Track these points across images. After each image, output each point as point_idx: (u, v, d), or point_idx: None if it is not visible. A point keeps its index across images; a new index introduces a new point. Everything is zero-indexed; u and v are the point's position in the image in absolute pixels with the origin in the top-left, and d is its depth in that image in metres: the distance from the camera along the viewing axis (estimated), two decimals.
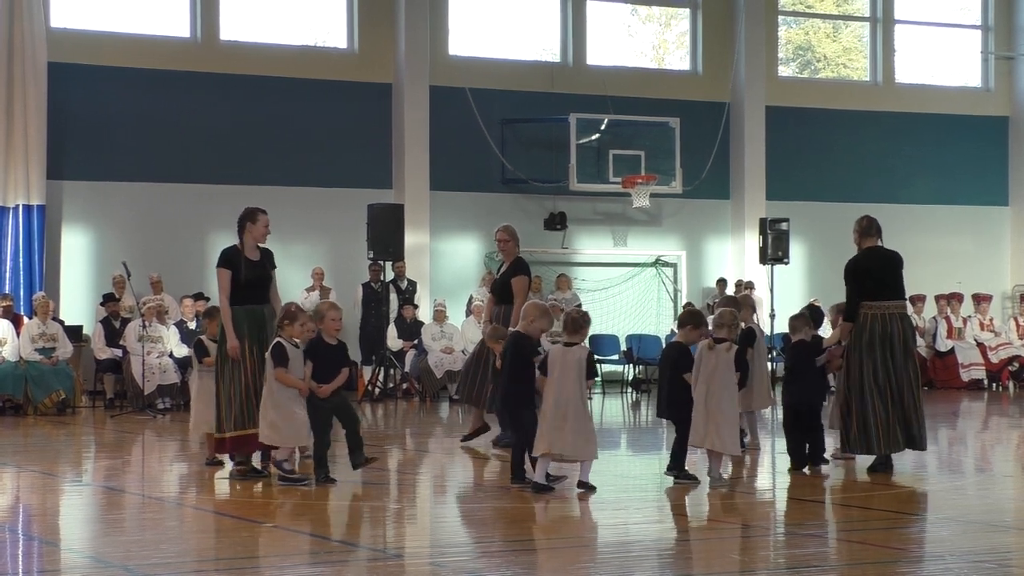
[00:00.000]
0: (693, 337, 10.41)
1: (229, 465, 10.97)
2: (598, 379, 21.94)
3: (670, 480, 10.31)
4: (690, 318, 10.55)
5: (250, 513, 9.18)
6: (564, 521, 9.06)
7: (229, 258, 10.75)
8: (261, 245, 10.87)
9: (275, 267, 10.92)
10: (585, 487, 9.76)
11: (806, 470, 11.06)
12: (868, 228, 11.22)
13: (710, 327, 10.75)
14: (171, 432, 15.41)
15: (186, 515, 9.37)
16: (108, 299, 19.38)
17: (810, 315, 11.89)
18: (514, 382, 10.11)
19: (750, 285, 22.91)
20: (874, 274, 11.06)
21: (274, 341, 10.21)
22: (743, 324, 12.59)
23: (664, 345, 22.11)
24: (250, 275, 10.66)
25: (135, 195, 21.04)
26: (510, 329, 12.91)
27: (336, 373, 10.21)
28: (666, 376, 10.43)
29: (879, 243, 11.25)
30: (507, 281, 13.37)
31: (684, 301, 23.22)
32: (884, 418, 10.93)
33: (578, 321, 9.86)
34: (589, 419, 9.81)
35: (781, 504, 9.97)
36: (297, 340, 10.20)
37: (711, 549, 8.08)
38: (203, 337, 11.83)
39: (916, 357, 11.26)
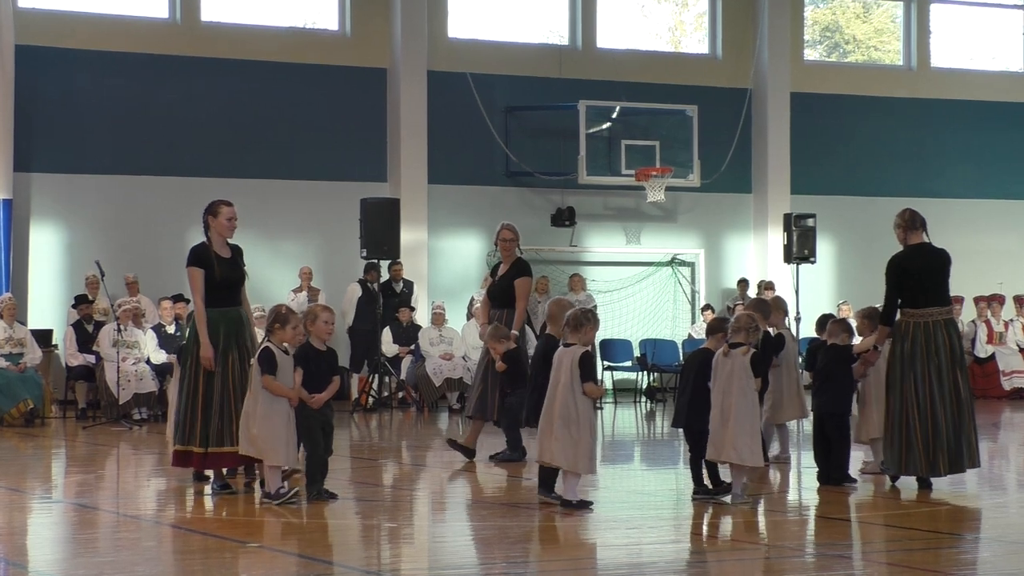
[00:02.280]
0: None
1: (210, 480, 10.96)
2: (609, 388, 21.91)
3: (687, 496, 10.29)
4: (720, 325, 10.52)
5: (234, 532, 9.16)
6: (572, 541, 9.04)
7: (200, 256, 10.68)
8: (230, 241, 10.81)
9: (244, 264, 10.87)
10: (564, 503, 9.64)
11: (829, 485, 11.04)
12: (912, 222, 10.92)
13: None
14: (148, 445, 15.39)
15: (164, 535, 9.36)
16: (81, 301, 19.36)
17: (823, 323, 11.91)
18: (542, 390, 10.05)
19: (770, 285, 22.89)
20: (918, 276, 10.80)
21: (262, 346, 10.14)
22: (774, 329, 12.57)
23: (681, 350, 22.12)
24: (225, 274, 10.61)
25: (109, 189, 21.03)
26: (513, 331, 12.94)
27: (327, 381, 10.18)
28: (689, 383, 10.39)
29: (925, 239, 10.96)
30: (509, 284, 13.33)
31: (702, 303, 23.21)
32: (923, 439, 10.69)
33: (578, 319, 9.75)
34: (582, 427, 9.63)
35: (808, 522, 9.95)
36: (287, 345, 10.14)
37: (731, 571, 8.07)
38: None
39: (966, 368, 11.02)
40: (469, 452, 13.04)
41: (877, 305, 11.28)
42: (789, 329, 13.15)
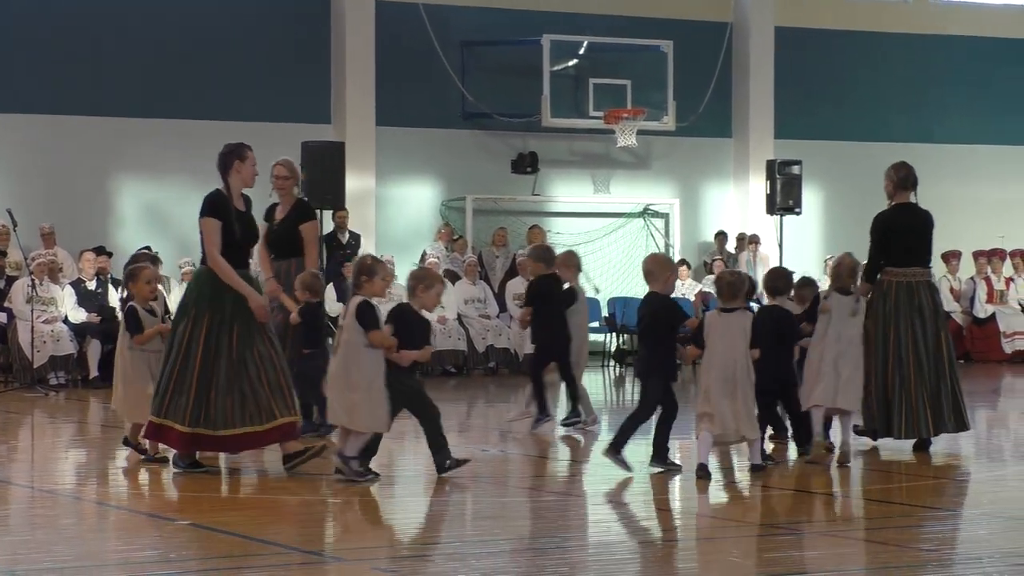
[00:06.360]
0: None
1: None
2: None
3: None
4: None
5: (162, 508, 9.18)
6: (536, 518, 9.10)
7: (217, 205, 10.39)
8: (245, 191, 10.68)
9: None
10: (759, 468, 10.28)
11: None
12: (904, 180, 11.57)
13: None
14: (67, 412, 15.37)
15: (85, 511, 9.36)
16: None
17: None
18: (651, 349, 10.49)
19: (755, 239, 22.99)
20: (903, 237, 11.49)
21: (358, 299, 9.97)
22: (565, 284, 13.19)
23: None
24: (242, 231, 10.33)
25: (22, 129, 20.88)
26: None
27: (420, 346, 10.14)
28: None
29: (913, 199, 11.61)
30: (292, 228, 12.89)
31: (677, 258, 23.27)
32: (907, 399, 11.32)
33: (735, 285, 10.25)
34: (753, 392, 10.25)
35: (788, 498, 10.05)
36: (380, 298, 10.14)
37: (707, 550, 8.14)
38: (136, 304, 11.34)
39: (948, 329, 11.76)
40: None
41: (816, 274, 11.82)
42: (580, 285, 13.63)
